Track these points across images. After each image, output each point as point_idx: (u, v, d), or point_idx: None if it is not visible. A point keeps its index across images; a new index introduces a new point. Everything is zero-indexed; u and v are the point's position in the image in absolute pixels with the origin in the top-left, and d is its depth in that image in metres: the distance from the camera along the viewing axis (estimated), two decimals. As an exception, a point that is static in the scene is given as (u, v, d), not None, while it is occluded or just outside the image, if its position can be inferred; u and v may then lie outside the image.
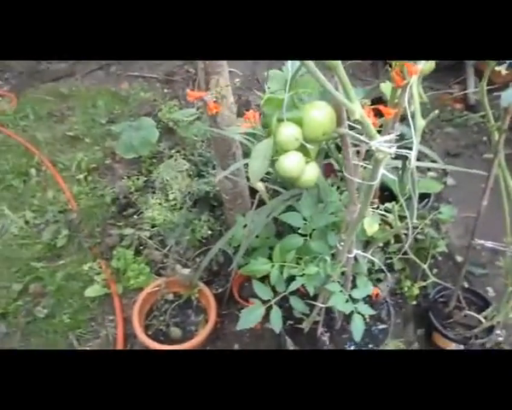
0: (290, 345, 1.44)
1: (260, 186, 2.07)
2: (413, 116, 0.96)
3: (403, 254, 1.90)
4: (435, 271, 2.05)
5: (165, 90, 3.08)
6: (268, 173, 1.87)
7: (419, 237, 1.93)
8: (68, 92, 3.14)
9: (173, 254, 1.82)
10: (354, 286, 1.28)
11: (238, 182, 1.79)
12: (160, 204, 2.02)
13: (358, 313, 1.14)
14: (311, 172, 0.77)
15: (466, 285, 1.85)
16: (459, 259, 2.09)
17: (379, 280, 1.96)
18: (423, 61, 1.03)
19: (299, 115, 0.72)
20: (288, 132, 0.71)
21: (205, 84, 1.43)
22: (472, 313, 1.66)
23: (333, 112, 0.75)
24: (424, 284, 1.80)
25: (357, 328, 1.07)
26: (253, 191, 1.98)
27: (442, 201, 2.30)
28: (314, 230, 1.24)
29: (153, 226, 1.99)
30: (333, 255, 1.24)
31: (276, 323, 1.20)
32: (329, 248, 1.20)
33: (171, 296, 1.75)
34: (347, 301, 1.09)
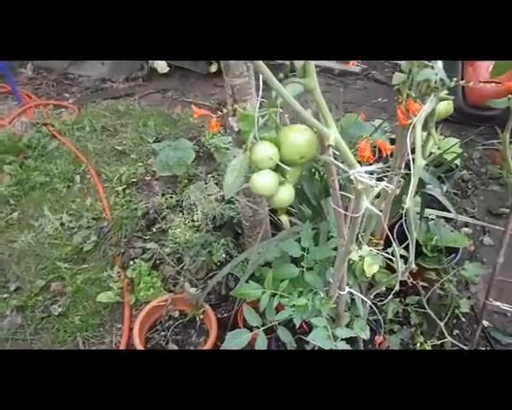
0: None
1: (285, 219, 2.07)
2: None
3: (420, 308, 1.83)
4: (457, 332, 1.93)
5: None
6: (293, 207, 1.88)
7: (441, 293, 1.83)
8: (125, 110, 3.32)
9: (185, 272, 1.84)
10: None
11: (258, 211, 1.80)
12: (184, 224, 2.07)
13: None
14: (285, 194, 0.76)
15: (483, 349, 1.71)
16: (486, 324, 1.96)
17: (392, 331, 1.87)
18: (435, 104, 1.01)
19: (276, 136, 0.72)
20: (263, 151, 0.71)
21: (232, 110, 1.47)
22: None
23: (313, 136, 0.75)
24: (438, 342, 1.70)
25: (333, 367, 1.02)
26: (277, 224, 1.99)
27: (476, 260, 2.17)
28: (316, 263, 1.21)
29: (174, 244, 2.04)
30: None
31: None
32: (324, 283, 1.17)
33: (176, 314, 1.75)
34: (328, 337, 1.04)
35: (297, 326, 1.11)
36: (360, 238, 1.21)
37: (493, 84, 2.70)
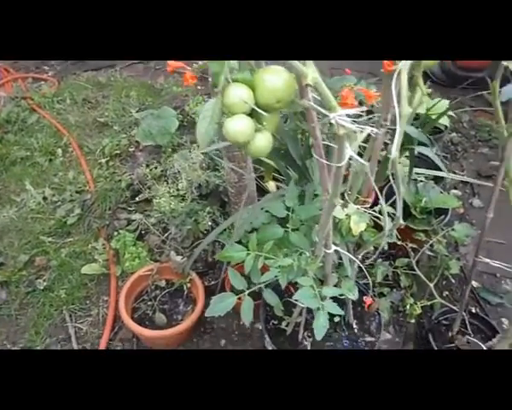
0: (269, 345, 1.38)
1: (272, 185, 2.03)
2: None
3: (409, 270, 1.82)
4: (446, 293, 1.92)
5: (199, 87, 3.10)
6: (279, 173, 1.83)
7: (431, 254, 1.81)
8: (106, 81, 3.23)
9: (171, 241, 1.80)
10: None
11: (243, 176, 1.75)
12: (169, 193, 2.02)
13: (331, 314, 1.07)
14: (262, 141, 0.72)
15: (474, 311, 1.71)
16: (475, 284, 1.95)
17: (382, 294, 1.86)
18: None
19: (250, 78, 0.67)
20: (236, 94, 0.67)
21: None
22: (475, 341, 1.53)
23: (291, 78, 0.70)
24: (428, 303, 1.69)
25: (320, 326, 1.00)
26: (265, 191, 1.95)
27: (465, 222, 2.15)
28: (302, 224, 1.18)
29: (160, 214, 1.99)
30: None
31: (247, 315, 1.14)
32: (311, 243, 1.13)
33: (163, 283, 1.72)
34: (315, 296, 1.01)
35: (283, 287, 1.08)
36: (347, 196, 1.17)
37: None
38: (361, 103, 0.99)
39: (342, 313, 1.06)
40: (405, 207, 1.85)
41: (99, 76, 3.30)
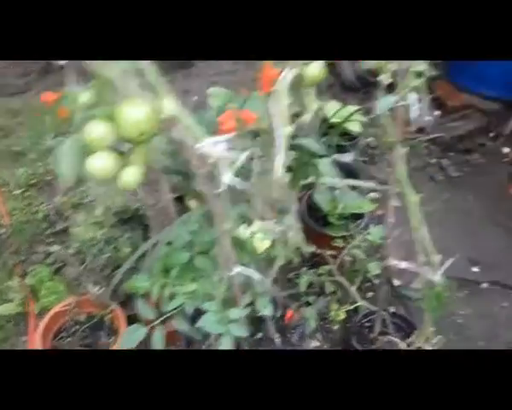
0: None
1: (194, 204, 2.01)
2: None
3: (330, 276, 1.86)
4: (370, 294, 1.98)
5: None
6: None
7: (349, 259, 1.85)
8: (20, 108, 3.09)
9: (88, 272, 1.73)
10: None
11: (161, 197, 1.72)
12: (86, 221, 1.95)
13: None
14: (130, 175, 0.70)
15: (392, 310, 1.76)
16: (397, 282, 2.02)
17: (308, 303, 1.88)
18: (312, 70, 0.99)
19: (109, 113, 0.66)
20: (95, 131, 0.65)
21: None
22: (395, 339, 1.58)
23: (153, 110, 0.69)
24: (351, 307, 1.73)
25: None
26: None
27: (385, 223, 2.22)
28: (209, 246, 1.17)
29: (78, 244, 1.92)
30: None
31: (158, 344, 1.12)
32: (215, 265, 1.13)
33: (83, 317, 1.66)
34: (219, 321, 1.00)
35: (188, 314, 1.06)
36: (250, 214, 1.18)
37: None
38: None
39: (247, 334, 1.05)
40: (323, 214, 1.89)
41: (13, 102, 3.15)
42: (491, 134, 2.70)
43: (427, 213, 2.38)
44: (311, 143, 1.28)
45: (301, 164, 1.42)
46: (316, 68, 0.99)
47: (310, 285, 1.91)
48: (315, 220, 1.89)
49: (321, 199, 1.85)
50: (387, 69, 1.01)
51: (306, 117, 1.07)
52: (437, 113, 2.83)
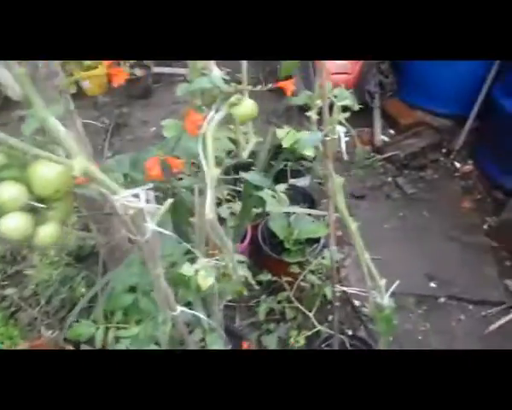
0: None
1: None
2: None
3: (289, 303, 1.87)
4: (331, 317, 1.99)
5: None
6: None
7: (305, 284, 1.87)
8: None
9: (43, 315, 1.70)
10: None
11: (113, 235, 1.71)
12: (41, 261, 1.93)
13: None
14: (47, 233, 0.70)
15: (350, 332, 1.79)
16: (357, 303, 2.05)
17: (269, 331, 1.88)
18: (243, 109, 1.01)
19: (20, 174, 0.66)
20: (6, 193, 0.65)
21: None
22: (352, 363, 1.59)
23: (65, 169, 0.69)
24: (310, 333, 1.74)
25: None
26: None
27: (344, 244, 2.26)
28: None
29: (34, 286, 1.89)
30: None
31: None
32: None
33: (37, 362, 1.62)
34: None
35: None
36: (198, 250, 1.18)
37: (344, 74, 2.85)
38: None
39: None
40: (279, 241, 1.91)
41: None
42: (444, 150, 2.78)
43: (385, 230, 2.45)
44: (253, 176, 1.30)
45: (247, 196, 1.44)
46: (247, 107, 1.01)
47: (270, 312, 1.92)
48: (272, 247, 1.91)
49: (275, 226, 1.87)
50: (315, 105, 1.04)
51: (244, 153, 1.09)
52: (391, 131, 2.91)
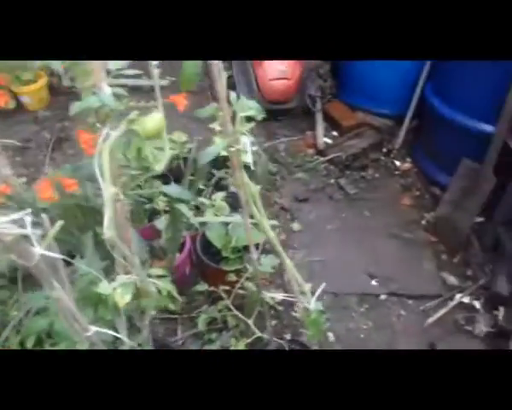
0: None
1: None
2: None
3: (229, 311, 1.86)
4: (275, 322, 2.00)
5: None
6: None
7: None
8: None
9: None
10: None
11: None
12: (-28, 285, 1.86)
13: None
14: None
15: (289, 337, 1.80)
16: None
17: (210, 341, 1.88)
18: (149, 124, 1.00)
19: None
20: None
21: None
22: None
23: None
24: (249, 340, 1.74)
25: None
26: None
27: (288, 247, 2.28)
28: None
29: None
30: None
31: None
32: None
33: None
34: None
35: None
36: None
37: (284, 80, 2.88)
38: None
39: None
40: (218, 251, 1.90)
41: None
42: (384, 149, 2.85)
43: (327, 232, 2.47)
44: (171, 189, 1.30)
45: (172, 208, 1.44)
46: (153, 121, 1.00)
47: (213, 322, 1.91)
48: (210, 256, 1.91)
49: (212, 235, 1.86)
50: (219, 116, 1.05)
51: (160, 166, 1.08)
52: (334, 133, 2.96)
